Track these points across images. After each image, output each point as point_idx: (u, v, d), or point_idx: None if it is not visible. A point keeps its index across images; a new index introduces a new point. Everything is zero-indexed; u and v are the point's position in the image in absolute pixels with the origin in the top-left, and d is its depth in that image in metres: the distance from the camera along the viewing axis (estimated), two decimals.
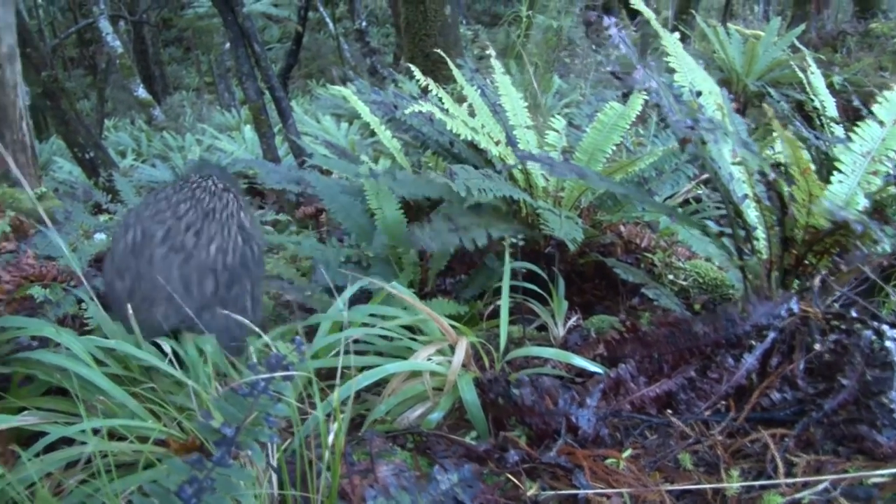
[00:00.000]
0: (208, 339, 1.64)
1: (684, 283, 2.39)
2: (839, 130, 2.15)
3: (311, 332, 1.82)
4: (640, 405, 1.59)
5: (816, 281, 1.72)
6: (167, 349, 1.59)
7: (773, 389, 1.58)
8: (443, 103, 2.35)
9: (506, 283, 1.94)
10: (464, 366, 1.68)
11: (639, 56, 1.83)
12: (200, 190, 1.76)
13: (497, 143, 2.29)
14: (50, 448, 1.33)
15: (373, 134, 3.04)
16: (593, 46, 6.64)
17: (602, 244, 2.48)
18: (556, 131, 2.54)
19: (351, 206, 2.49)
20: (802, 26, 6.54)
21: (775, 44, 5.92)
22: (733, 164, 1.76)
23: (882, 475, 1.28)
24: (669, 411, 1.59)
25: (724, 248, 1.97)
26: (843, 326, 1.66)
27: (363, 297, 2.06)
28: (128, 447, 1.34)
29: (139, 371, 1.60)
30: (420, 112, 2.36)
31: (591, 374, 1.71)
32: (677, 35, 1.97)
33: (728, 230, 1.93)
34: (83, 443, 1.34)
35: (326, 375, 1.68)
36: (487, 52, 2.82)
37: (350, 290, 1.83)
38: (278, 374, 1.05)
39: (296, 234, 3.44)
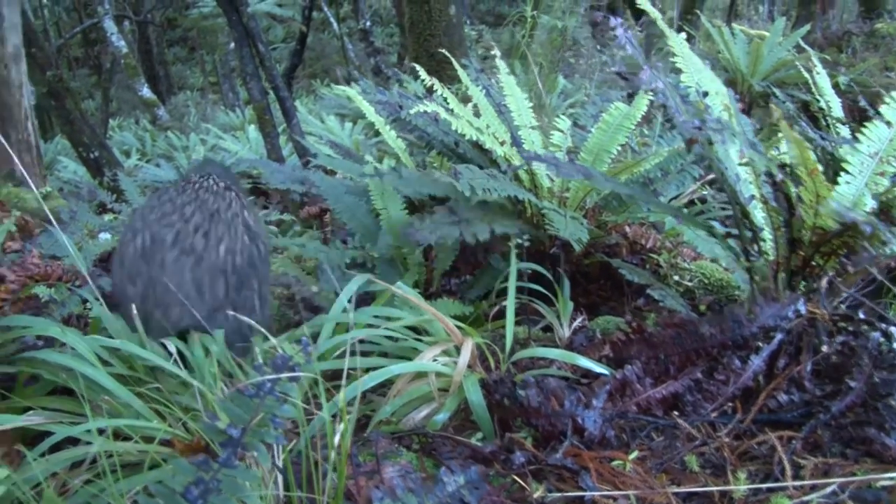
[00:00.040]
0: (214, 339, 1.64)
1: (689, 283, 2.38)
2: (845, 131, 2.14)
3: (315, 334, 1.82)
4: (646, 407, 1.58)
5: (823, 282, 1.71)
6: (172, 349, 1.59)
7: (780, 391, 1.57)
8: (448, 103, 2.35)
9: (512, 284, 1.93)
10: (469, 367, 1.67)
11: (644, 56, 1.82)
12: (203, 190, 1.76)
13: (502, 144, 2.28)
14: (55, 448, 1.33)
15: (377, 134, 3.04)
16: (598, 47, 6.63)
17: (607, 245, 2.48)
18: (561, 132, 2.54)
19: (356, 206, 2.49)
20: (807, 26, 6.52)
21: (780, 44, 5.91)
22: (740, 164, 1.75)
23: (891, 478, 1.27)
24: (676, 413, 1.58)
25: (731, 249, 1.96)
26: (850, 328, 1.65)
27: (368, 297, 2.06)
28: (133, 447, 1.33)
29: (144, 371, 1.60)
30: (425, 112, 2.36)
31: (597, 376, 1.70)
32: (683, 35, 1.96)
33: (734, 231, 1.93)
34: (88, 443, 1.34)
35: (331, 376, 1.68)
36: (493, 52, 2.82)
37: (352, 287, 1.82)
38: (284, 375, 1.05)
39: (300, 234, 3.44)
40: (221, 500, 0.96)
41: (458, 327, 1.77)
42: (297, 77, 12.25)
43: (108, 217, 3.15)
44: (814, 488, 1.28)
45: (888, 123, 1.74)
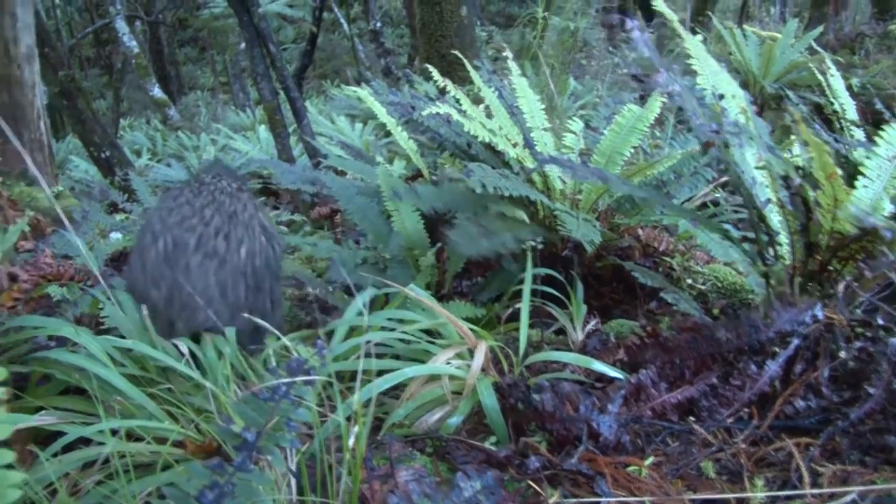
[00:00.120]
0: (227, 340, 1.64)
1: (703, 287, 2.36)
2: (860, 134, 2.12)
3: (328, 335, 1.81)
4: (661, 412, 1.57)
5: (841, 287, 1.70)
6: (184, 350, 1.58)
7: (797, 397, 1.55)
8: (460, 104, 2.34)
9: (527, 287, 1.92)
10: (483, 370, 1.66)
11: (660, 58, 1.80)
12: (219, 192, 1.77)
13: (515, 145, 2.27)
14: (68, 448, 1.33)
15: (388, 135, 3.04)
16: (609, 48, 6.61)
17: (620, 247, 2.46)
18: (574, 133, 2.52)
19: (367, 207, 2.48)
20: (820, 28, 6.47)
21: (792, 46, 5.87)
22: (757, 168, 1.73)
23: None
24: (691, 418, 1.57)
25: (746, 252, 1.94)
26: (868, 333, 1.63)
27: (378, 297, 2.05)
28: (145, 448, 1.33)
29: (156, 372, 1.60)
30: (437, 113, 2.34)
31: (611, 380, 1.68)
32: (700, 37, 1.95)
33: (749, 234, 1.91)
34: (101, 443, 1.34)
35: (344, 379, 1.67)
36: (504, 53, 2.80)
37: (367, 295, 1.82)
38: (299, 378, 1.04)
39: (310, 234, 3.44)
40: None
41: (472, 330, 1.76)
42: (308, 78, 12.26)
43: (119, 217, 3.16)
44: (833, 496, 1.27)
45: None
